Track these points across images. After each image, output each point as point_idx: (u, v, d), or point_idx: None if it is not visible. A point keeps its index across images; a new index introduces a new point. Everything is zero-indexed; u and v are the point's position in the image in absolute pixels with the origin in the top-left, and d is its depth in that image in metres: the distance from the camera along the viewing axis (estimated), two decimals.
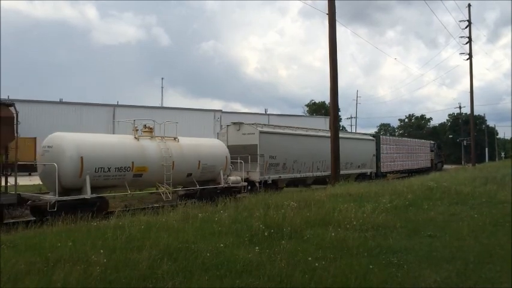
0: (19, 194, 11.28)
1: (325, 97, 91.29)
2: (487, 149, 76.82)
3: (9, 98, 34.77)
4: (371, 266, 5.43)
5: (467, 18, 43.49)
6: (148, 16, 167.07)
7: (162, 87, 68.07)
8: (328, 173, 21.64)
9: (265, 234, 7.10)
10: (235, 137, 19.39)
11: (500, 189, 13.97)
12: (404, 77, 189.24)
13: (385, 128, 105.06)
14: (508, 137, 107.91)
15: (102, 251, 5.70)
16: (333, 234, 7.19)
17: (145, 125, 15.08)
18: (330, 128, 19.88)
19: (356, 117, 76.23)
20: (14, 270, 4.94)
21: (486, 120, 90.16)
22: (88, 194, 11.99)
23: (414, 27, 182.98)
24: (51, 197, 11.47)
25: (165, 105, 56.19)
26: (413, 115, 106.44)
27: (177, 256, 5.68)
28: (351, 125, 77.10)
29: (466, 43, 43.17)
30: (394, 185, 15.91)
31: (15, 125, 10.86)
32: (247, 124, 19.87)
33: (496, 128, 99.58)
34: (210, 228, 7.72)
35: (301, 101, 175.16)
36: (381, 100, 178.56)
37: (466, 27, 43.24)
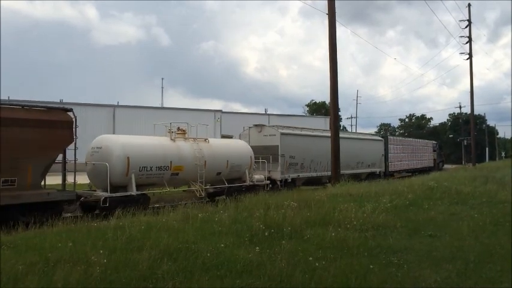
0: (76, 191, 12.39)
1: (325, 97, 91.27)
2: (487, 149, 76.80)
3: (10, 98, 34.83)
4: (371, 266, 5.43)
5: (467, 18, 43.51)
6: (148, 16, 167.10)
7: (162, 88, 67.88)
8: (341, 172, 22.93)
9: (266, 234, 7.10)
10: (257, 138, 20.60)
11: (500, 188, 13.98)
12: (404, 76, 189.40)
13: (385, 128, 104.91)
14: (508, 136, 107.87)
15: (102, 252, 5.70)
16: (333, 234, 7.19)
17: (178, 128, 16.21)
18: (330, 128, 20.02)
19: (356, 117, 76.22)
20: (14, 270, 4.94)
21: (486, 120, 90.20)
22: (134, 191, 13.19)
23: (414, 27, 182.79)
24: (103, 194, 12.54)
25: (165, 105, 56.20)
26: (413, 115, 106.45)
27: (177, 256, 5.68)
28: (351, 125, 77.04)
29: (466, 43, 43.17)
30: (394, 185, 15.91)
31: (74, 129, 11.76)
32: (269, 126, 21.57)
33: (497, 128, 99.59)
34: (210, 228, 7.72)
35: (302, 101, 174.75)
36: (381, 100, 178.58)
37: (466, 27, 43.24)
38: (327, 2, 18.83)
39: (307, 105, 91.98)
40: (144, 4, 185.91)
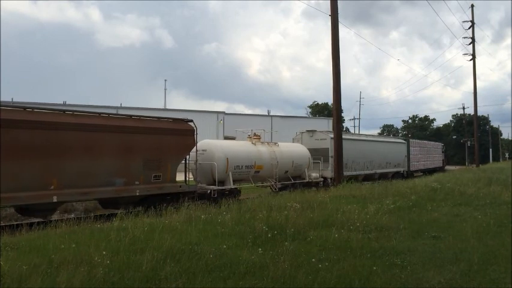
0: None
1: (328, 98, 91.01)
2: (491, 150, 76.50)
3: (13, 100, 34.97)
4: (374, 267, 5.42)
5: (471, 19, 43.38)
6: (152, 18, 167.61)
7: (165, 89, 67.69)
8: (373, 171, 27.62)
9: (269, 235, 7.10)
10: (309, 142, 23.36)
11: (504, 190, 13.92)
12: (408, 77, 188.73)
13: (388, 129, 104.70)
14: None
15: (105, 253, 5.69)
16: (336, 235, 7.18)
17: (255, 133, 19.47)
18: (332, 129, 20.11)
19: (359, 118, 75.92)
20: (18, 271, 4.94)
21: (490, 121, 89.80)
22: (231, 185, 16.29)
23: (418, 28, 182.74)
24: (212, 187, 15.63)
25: (168, 106, 56.23)
26: (416, 116, 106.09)
27: (180, 257, 5.68)
28: (354, 126, 76.75)
29: (470, 44, 43.05)
30: (396, 186, 15.88)
31: (195, 136, 14.49)
32: (320, 131, 24.35)
33: (500, 129, 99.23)
34: (213, 229, 7.72)
35: (304, 102, 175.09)
36: (385, 101, 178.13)
37: (469, 28, 43.12)
38: (329, 3, 18.84)
39: (310, 107, 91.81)
40: (148, 6, 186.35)
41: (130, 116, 13.38)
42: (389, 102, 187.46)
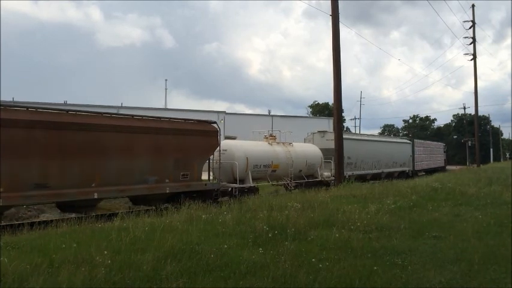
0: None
1: (328, 98, 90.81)
2: (491, 150, 76.45)
3: (14, 99, 34.98)
4: (375, 267, 5.41)
5: (471, 19, 43.35)
6: (152, 17, 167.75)
7: (166, 89, 67.60)
8: (380, 170, 28.50)
9: (269, 235, 7.09)
10: (320, 142, 24.33)
11: (505, 190, 13.92)
12: (409, 77, 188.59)
13: (389, 129, 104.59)
14: None
15: (106, 253, 5.70)
16: (337, 235, 7.18)
17: (271, 134, 20.38)
18: (333, 129, 20.16)
19: (360, 118, 75.82)
20: (19, 271, 4.95)
21: (491, 121, 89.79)
22: (251, 183, 17.20)
23: (419, 27, 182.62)
24: (233, 185, 16.48)
25: (168, 106, 56.20)
26: (417, 116, 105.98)
27: (181, 257, 5.67)
28: (355, 126, 76.66)
29: (470, 43, 43.03)
30: (397, 186, 15.88)
31: (218, 137, 15.20)
32: (331, 132, 24.79)
33: (501, 129, 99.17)
34: (214, 229, 7.72)
35: (305, 102, 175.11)
36: (385, 101, 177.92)
37: (470, 28, 43.10)
38: (330, 3, 18.81)
39: (310, 107, 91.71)
40: (148, 5, 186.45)
41: (160, 118, 14.07)
42: (390, 102, 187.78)
